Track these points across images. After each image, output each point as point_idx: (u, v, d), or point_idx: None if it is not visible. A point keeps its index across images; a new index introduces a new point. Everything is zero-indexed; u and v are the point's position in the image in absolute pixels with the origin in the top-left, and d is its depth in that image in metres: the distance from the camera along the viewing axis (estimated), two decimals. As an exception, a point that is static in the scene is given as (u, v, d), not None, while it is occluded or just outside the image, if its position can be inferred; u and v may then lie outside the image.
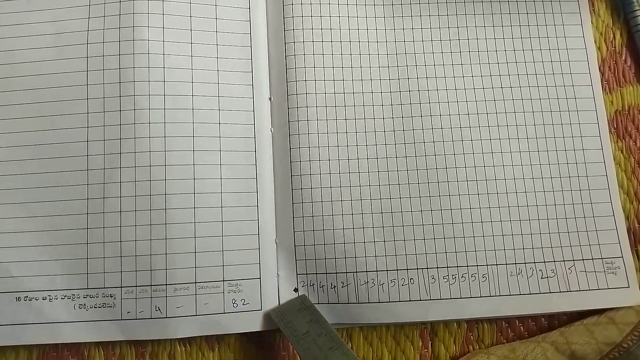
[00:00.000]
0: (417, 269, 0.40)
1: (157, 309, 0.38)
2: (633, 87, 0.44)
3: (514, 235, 0.40)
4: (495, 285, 0.39)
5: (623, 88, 0.44)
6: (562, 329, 0.39)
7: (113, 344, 0.39)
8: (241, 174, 0.40)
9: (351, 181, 0.41)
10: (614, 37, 0.45)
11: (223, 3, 0.42)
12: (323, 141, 0.41)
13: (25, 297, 0.38)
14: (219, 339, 0.40)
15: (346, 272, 0.39)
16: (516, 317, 0.40)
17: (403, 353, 0.40)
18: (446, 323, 0.40)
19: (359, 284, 0.39)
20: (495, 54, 0.43)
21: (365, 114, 0.42)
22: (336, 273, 0.39)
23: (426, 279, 0.39)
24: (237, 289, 0.39)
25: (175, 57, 0.41)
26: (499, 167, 0.41)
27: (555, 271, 0.40)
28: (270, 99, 0.42)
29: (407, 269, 0.40)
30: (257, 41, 0.43)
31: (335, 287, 0.39)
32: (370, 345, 0.40)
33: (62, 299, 0.38)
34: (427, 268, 0.40)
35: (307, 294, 0.39)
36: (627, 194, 0.42)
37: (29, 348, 0.39)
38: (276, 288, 0.39)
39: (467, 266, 0.40)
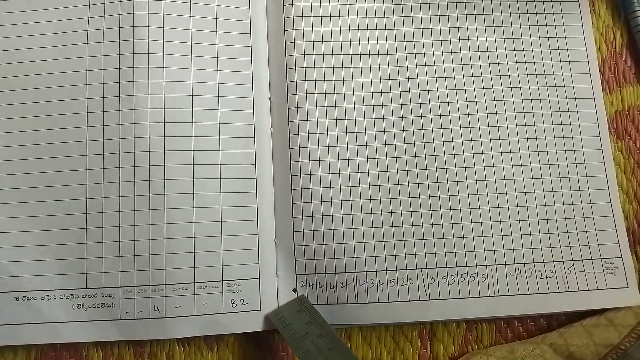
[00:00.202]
0: (417, 269, 0.40)
1: (156, 308, 0.38)
2: (633, 87, 0.44)
3: (513, 235, 0.40)
4: (495, 286, 0.39)
5: (623, 88, 0.44)
6: (562, 330, 0.39)
7: (112, 344, 0.39)
8: (241, 174, 0.40)
9: (351, 181, 0.41)
10: (614, 37, 0.45)
11: (223, 3, 0.42)
12: (323, 141, 0.41)
13: (23, 297, 0.38)
14: (218, 339, 0.40)
15: (345, 272, 0.39)
16: (515, 318, 0.40)
17: (402, 353, 0.40)
18: (445, 323, 0.40)
19: (358, 284, 0.39)
20: (495, 54, 0.43)
21: (365, 114, 0.42)
22: (335, 273, 0.39)
23: (425, 279, 0.39)
24: (236, 289, 0.39)
25: (175, 56, 0.41)
26: (498, 167, 0.41)
27: (554, 271, 0.40)
28: (270, 98, 0.42)
29: (407, 269, 0.40)
30: (257, 41, 0.42)
31: (334, 287, 0.39)
32: (369, 345, 0.40)
33: (60, 298, 0.38)
34: (427, 268, 0.40)
35: (306, 294, 0.39)
36: (627, 194, 0.42)
37: (28, 348, 0.39)
38: (275, 288, 0.39)
39: (467, 266, 0.40)
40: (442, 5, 0.44)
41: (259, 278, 0.39)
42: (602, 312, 0.39)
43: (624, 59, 0.45)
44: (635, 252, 0.41)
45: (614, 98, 0.44)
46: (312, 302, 0.39)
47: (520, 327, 0.41)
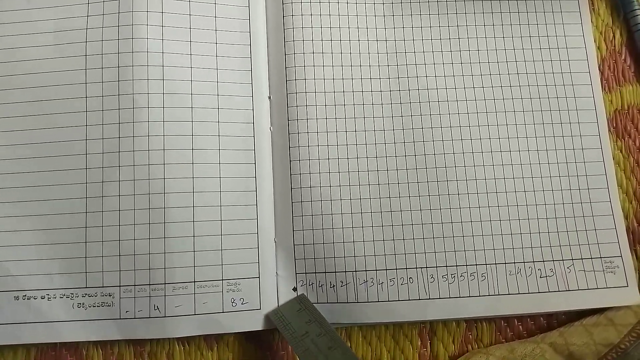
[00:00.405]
0: (416, 268, 0.40)
1: (156, 308, 0.38)
2: (632, 86, 0.44)
3: (512, 234, 0.40)
4: (494, 285, 0.39)
5: (622, 87, 0.44)
6: (562, 329, 0.39)
7: (112, 343, 0.39)
8: (240, 173, 0.40)
9: (350, 180, 0.41)
10: (614, 36, 0.45)
11: (222, 2, 0.42)
12: (322, 140, 0.41)
13: (23, 296, 0.38)
14: (218, 338, 0.40)
15: (345, 272, 0.39)
16: (515, 317, 0.41)
17: (402, 352, 0.40)
18: (445, 322, 0.40)
19: (358, 283, 0.39)
20: (494, 52, 0.43)
21: (365, 113, 0.42)
22: (335, 272, 0.39)
23: (425, 278, 0.39)
24: (236, 288, 0.39)
25: (174, 55, 0.41)
26: (498, 166, 0.41)
27: (554, 270, 0.40)
28: (269, 97, 0.42)
29: (406, 268, 0.40)
30: (257, 40, 0.42)
31: (334, 286, 0.39)
32: (369, 344, 0.40)
33: (60, 298, 0.38)
34: (426, 267, 0.40)
35: (306, 293, 0.39)
36: (626, 193, 0.42)
37: (28, 347, 0.39)
38: (275, 287, 0.39)
39: (466, 265, 0.40)
40: (441, 4, 0.44)
41: (258, 277, 0.39)
42: (602, 311, 0.39)
43: (623, 57, 0.45)
44: (635, 251, 0.41)
45: (614, 97, 0.44)
46: (312, 301, 0.39)
47: (520, 326, 0.41)
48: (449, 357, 0.40)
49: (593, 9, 0.45)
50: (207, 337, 0.40)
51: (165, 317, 0.38)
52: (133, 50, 0.40)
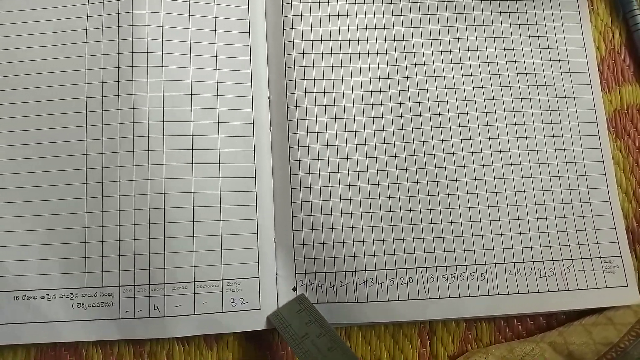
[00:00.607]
0: (416, 267, 0.40)
1: (156, 308, 0.38)
2: (632, 86, 0.44)
3: (512, 234, 0.40)
4: (494, 284, 0.39)
5: (622, 87, 0.44)
6: (561, 328, 0.39)
7: (111, 343, 0.39)
8: (240, 173, 0.40)
9: (350, 180, 0.41)
10: (613, 36, 0.45)
11: (222, 2, 0.42)
12: (322, 140, 0.41)
13: (23, 296, 0.38)
14: (218, 338, 0.40)
15: (345, 271, 0.39)
16: (514, 316, 0.41)
17: (401, 352, 0.40)
18: (445, 322, 0.40)
19: (357, 283, 0.39)
20: (493, 53, 0.43)
21: (364, 113, 0.42)
22: (335, 272, 0.39)
23: (425, 277, 0.40)
24: (235, 288, 0.39)
25: (174, 56, 0.41)
26: (497, 166, 0.41)
27: (553, 270, 0.40)
28: (269, 97, 0.42)
29: (406, 268, 0.40)
30: (256, 40, 0.42)
31: (334, 286, 0.39)
32: (369, 344, 0.40)
33: (60, 298, 0.38)
34: (426, 267, 0.40)
35: (305, 293, 0.39)
36: (626, 193, 0.42)
37: (27, 347, 0.39)
38: (275, 287, 0.39)
39: (466, 265, 0.40)
40: (440, 5, 0.44)
41: (258, 277, 0.39)
42: (601, 310, 0.39)
43: (622, 57, 0.45)
44: (635, 250, 0.41)
45: (613, 97, 0.44)
46: (311, 301, 0.39)
47: (520, 326, 0.41)
48: (448, 356, 0.40)
49: (592, 9, 0.45)
50: (206, 337, 0.40)
51: (165, 317, 0.38)
52: (133, 51, 0.40)
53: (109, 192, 0.39)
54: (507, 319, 0.41)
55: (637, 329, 0.37)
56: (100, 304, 0.38)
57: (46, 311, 0.38)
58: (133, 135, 0.39)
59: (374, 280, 0.39)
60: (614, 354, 0.36)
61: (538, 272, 0.40)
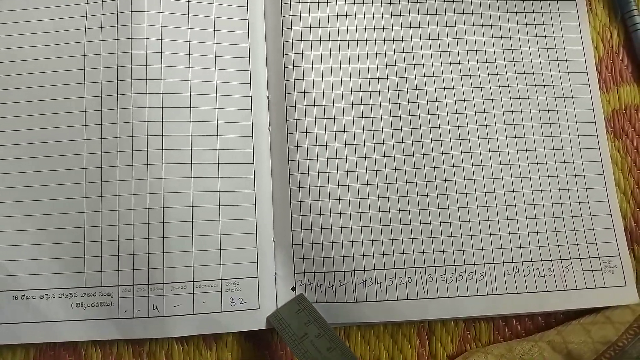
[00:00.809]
0: (415, 267, 0.40)
1: (155, 307, 0.38)
2: (630, 86, 0.44)
3: (511, 233, 0.40)
4: (493, 284, 0.40)
5: (620, 87, 0.44)
6: (559, 327, 0.39)
7: (110, 342, 0.39)
8: (239, 173, 0.40)
9: (349, 180, 0.41)
10: (611, 36, 0.45)
11: (221, 1, 0.42)
12: (321, 140, 0.41)
13: (22, 295, 0.38)
14: (217, 338, 0.40)
15: (344, 271, 0.39)
16: (513, 316, 0.41)
17: (400, 352, 0.40)
18: (443, 322, 0.40)
19: (356, 282, 0.39)
20: (492, 53, 0.43)
21: (363, 113, 0.42)
22: (334, 272, 0.39)
23: (424, 277, 0.40)
24: (234, 288, 0.39)
25: (173, 55, 0.41)
26: (496, 165, 0.41)
27: (552, 270, 0.40)
28: (268, 97, 0.42)
29: (405, 268, 0.40)
30: (255, 40, 0.42)
31: (333, 285, 0.39)
32: (368, 344, 0.40)
33: (59, 297, 0.38)
34: (425, 267, 0.40)
35: (304, 293, 0.39)
36: (624, 193, 0.43)
37: (26, 347, 0.39)
38: (274, 287, 0.39)
39: (465, 265, 0.40)
40: (439, 5, 0.44)
41: (257, 277, 0.39)
42: (599, 309, 0.39)
43: (620, 57, 0.45)
44: (633, 250, 0.41)
45: (611, 97, 0.44)
46: (310, 301, 0.39)
47: (519, 326, 0.41)
48: (447, 356, 0.40)
49: (590, 9, 0.45)
50: (205, 337, 0.40)
51: (164, 316, 0.38)
52: (132, 50, 0.40)
53: (108, 191, 0.39)
54: (506, 318, 0.41)
55: (635, 327, 0.37)
56: (99, 303, 0.38)
57: (45, 311, 0.38)
58: (132, 134, 0.39)
59: (373, 280, 0.39)
60: (612, 353, 0.36)
61: (537, 272, 0.40)
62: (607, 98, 0.44)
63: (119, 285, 0.38)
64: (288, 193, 0.40)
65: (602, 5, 0.46)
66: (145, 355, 0.39)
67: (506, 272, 0.40)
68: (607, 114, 0.44)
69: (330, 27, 0.43)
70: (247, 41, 0.42)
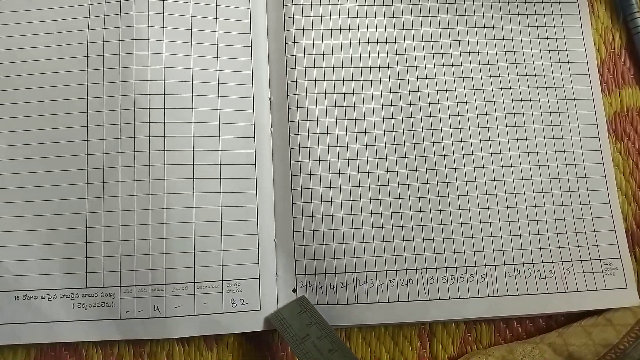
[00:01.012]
0: (416, 269, 0.40)
1: (156, 308, 0.38)
2: (632, 89, 0.44)
3: (512, 235, 0.40)
4: (494, 286, 0.40)
5: (622, 90, 0.44)
6: (560, 330, 0.39)
7: (111, 343, 0.39)
8: (241, 174, 0.40)
9: (351, 181, 0.41)
10: (613, 39, 0.45)
11: (223, 3, 0.42)
12: (323, 141, 0.41)
13: (24, 296, 0.38)
14: (218, 338, 0.40)
15: (345, 273, 0.39)
16: (514, 318, 0.41)
17: (401, 353, 0.40)
18: (444, 323, 0.40)
19: (358, 284, 0.39)
20: (494, 54, 0.43)
21: (365, 115, 0.42)
22: (335, 273, 0.39)
23: (425, 279, 0.40)
24: (236, 289, 0.39)
25: (176, 56, 0.41)
26: (498, 167, 0.41)
27: (553, 272, 0.40)
28: (270, 98, 0.42)
29: (406, 270, 0.40)
30: (258, 41, 0.42)
31: (334, 287, 0.39)
32: (369, 345, 0.40)
33: (60, 298, 0.38)
34: (426, 268, 0.40)
35: (306, 295, 0.39)
36: (625, 195, 0.43)
37: (27, 347, 0.39)
38: (275, 288, 0.39)
39: (466, 266, 0.40)
40: (441, 6, 0.44)
41: (258, 278, 0.39)
42: (600, 312, 0.39)
43: (622, 60, 0.45)
44: (634, 253, 0.41)
45: (613, 99, 0.44)
46: (312, 303, 0.39)
47: (520, 328, 0.41)
48: (448, 358, 0.40)
49: (593, 12, 0.45)
50: (206, 338, 0.40)
51: (165, 317, 0.38)
52: (134, 52, 0.40)
53: (110, 192, 0.39)
54: (507, 320, 0.41)
55: (636, 330, 0.37)
56: (100, 304, 0.38)
57: (47, 311, 0.38)
58: (134, 135, 0.39)
59: (374, 282, 0.39)
60: (613, 355, 0.36)
61: (538, 274, 0.40)
62: (609, 100, 0.44)
63: (120, 286, 0.38)
64: (290, 194, 0.40)
65: (604, 8, 0.46)
66: (146, 355, 0.39)
67: (507, 274, 0.40)
68: (609, 116, 0.44)
69: (332, 29, 0.43)
70: (250, 43, 0.42)
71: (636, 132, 0.44)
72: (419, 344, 0.40)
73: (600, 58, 0.45)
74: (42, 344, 0.39)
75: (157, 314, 0.38)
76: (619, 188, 0.42)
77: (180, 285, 0.38)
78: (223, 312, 0.38)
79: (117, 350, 0.39)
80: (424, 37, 0.43)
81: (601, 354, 0.37)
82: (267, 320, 0.39)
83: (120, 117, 0.40)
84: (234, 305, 0.38)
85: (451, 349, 0.40)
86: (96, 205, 0.39)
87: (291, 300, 0.39)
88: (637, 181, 0.43)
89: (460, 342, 0.40)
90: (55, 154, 0.40)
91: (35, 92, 0.40)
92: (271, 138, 0.42)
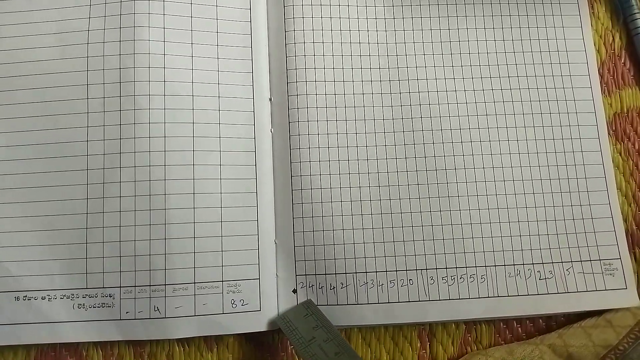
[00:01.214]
0: (416, 269, 0.40)
1: (156, 309, 0.38)
2: (632, 89, 0.44)
3: (512, 236, 0.40)
4: (494, 286, 0.40)
5: (622, 91, 0.44)
6: (560, 331, 0.39)
7: (112, 344, 0.39)
8: (241, 175, 0.40)
9: (351, 182, 0.41)
10: (614, 39, 0.45)
11: (224, 4, 0.42)
12: (323, 142, 0.41)
13: (24, 296, 0.38)
14: (218, 339, 0.40)
15: (345, 273, 0.39)
16: (514, 319, 0.41)
17: (401, 354, 0.40)
18: (444, 324, 0.40)
19: (358, 284, 0.39)
20: (495, 55, 0.43)
21: (366, 115, 0.42)
22: (335, 274, 0.39)
23: (425, 280, 0.40)
24: (236, 290, 0.39)
25: (176, 57, 0.41)
26: (498, 168, 0.41)
27: (553, 273, 0.40)
28: (270, 99, 0.42)
29: (406, 270, 0.40)
30: (258, 42, 0.42)
31: (334, 288, 0.39)
32: (369, 346, 0.40)
33: (61, 298, 0.38)
34: (426, 269, 0.40)
35: (306, 295, 0.39)
36: (625, 196, 0.43)
37: (28, 348, 0.39)
38: (275, 289, 0.39)
39: (466, 267, 0.40)
40: (442, 7, 0.44)
41: (259, 279, 0.39)
42: (600, 313, 0.39)
43: (622, 61, 0.45)
44: (634, 253, 0.41)
45: (613, 100, 0.44)
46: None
47: (519, 328, 0.41)
48: (448, 358, 0.40)
49: (593, 13, 0.45)
50: (207, 338, 0.40)
51: (165, 318, 0.38)
52: (135, 52, 0.40)
53: (110, 193, 0.39)
54: (507, 321, 0.41)
55: (636, 331, 0.37)
56: (100, 304, 0.38)
57: (47, 312, 0.38)
58: (134, 136, 0.39)
59: (375, 282, 0.39)
60: (613, 357, 0.36)
61: (538, 275, 0.40)
62: (609, 101, 0.44)
63: (120, 287, 0.38)
64: (290, 195, 0.40)
65: (604, 9, 0.46)
66: (146, 356, 0.39)
67: (507, 275, 0.40)
68: (609, 117, 0.44)
69: (332, 30, 0.43)
70: (250, 43, 0.42)
71: (636, 133, 0.44)
72: (419, 345, 0.40)
73: (600, 59, 0.45)
74: (43, 345, 0.39)
75: (157, 314, 0.38)
76: (619, 189, 0.42)
77: (181, 286, 0.38)
78: (223, 313, 0.38)
79: (117, 351, 0.39)
80: (424, 37, 0.43)
81: (601, 355, 0.37)
82: (268, 321, 0.39)
83: (121, 118, 0.40)
84: (234, 305, 0.38)
85: (451, 350, 0.40)
86: (96, 205, 0.39)
87: (291, 300, 0.39)
88: (637, 182, 0.43)
89: (460, 342, 0.40)
90: (56, 154, 0.40)
91: (36, 92, 0.40)
92: (271, 139, 0.42)
